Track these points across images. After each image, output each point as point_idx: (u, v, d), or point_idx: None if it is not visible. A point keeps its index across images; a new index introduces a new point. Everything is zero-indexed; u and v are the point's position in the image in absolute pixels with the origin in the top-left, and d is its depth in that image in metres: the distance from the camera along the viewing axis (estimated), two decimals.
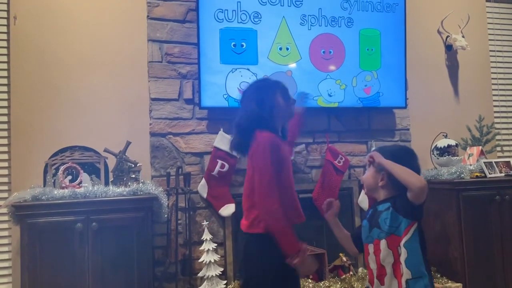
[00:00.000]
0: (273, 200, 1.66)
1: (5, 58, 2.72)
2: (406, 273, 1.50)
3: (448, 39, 3.57)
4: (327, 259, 2.83)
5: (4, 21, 2.73)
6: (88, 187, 2.36)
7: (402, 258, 1.52)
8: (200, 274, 2.63)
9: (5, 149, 2.69)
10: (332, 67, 3.07)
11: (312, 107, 3.02)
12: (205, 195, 2.79)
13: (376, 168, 1.64)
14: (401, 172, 1.52)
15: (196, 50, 2.83)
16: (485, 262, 2.85)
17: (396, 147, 1.80)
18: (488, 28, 3.78)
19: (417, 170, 1.61)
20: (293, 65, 2.98)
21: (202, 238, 2.66)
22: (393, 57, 3.22)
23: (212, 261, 2.61)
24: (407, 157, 1.64)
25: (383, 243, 1.55)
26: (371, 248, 1.61)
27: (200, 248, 2.65)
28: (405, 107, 3.29)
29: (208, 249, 2.62)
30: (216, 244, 2.68)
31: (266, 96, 1.82)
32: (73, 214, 2.24)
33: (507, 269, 2.89)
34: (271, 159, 1.67)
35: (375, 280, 1.58)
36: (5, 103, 2.71)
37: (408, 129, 3.37)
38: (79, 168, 2.46)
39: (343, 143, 3.19)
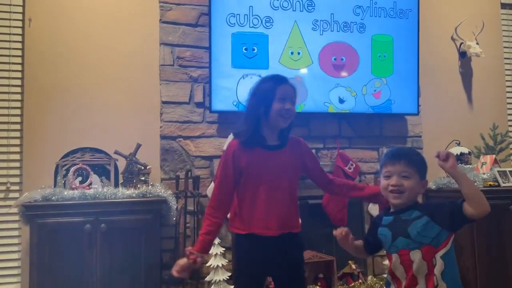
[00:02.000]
0: (208, 206, 1.75)
1: (19, 60, 2.75)
2: (441, 286, 1.45)
3: (462, 46, 3.53)
4: (336, 266, 2.80)
5: (19, 23, 2.77)
6: (97, 188, 2.37)
7: (437, 270, 1.46)
8: (207, 279, 2.62)
9: (17, 149, 2.72)
10: (343, 74, 3.05)
11: (323, 112, 3.02)
12: None
13: (419, 176, 1.55)
14: (477, 191, 1.45)
15: (208, 54, 2.84)
16: (497, 272, 2.79)
17: (414, 151, 1.69)
18: (503, 36, 3.73)
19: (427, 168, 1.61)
20: (304, 70, 2.97)
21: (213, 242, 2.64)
22: (406, 64, 3.19)
23: (220, 265, 2.60)
24: (424, 161, 1.62)
25: (416, 254, 1.49)
26: (396, 257, 1.54)
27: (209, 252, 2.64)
28: (417, 114, 3.26)
29: (216, 254, 2.61)
30: (224, 249, 2.67)
31: (246, 100, 1.80)
32: (82, 215, 2.25)
33: None
34: (220, 168, 1.76)
35: None
36: (18, 104, 2.74)
37: (420, 136, 3.33)
38: (89, 170, 2.47)
39: (354, 149, 3.16)
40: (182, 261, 1.67)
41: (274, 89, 1.71)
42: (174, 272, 1.67)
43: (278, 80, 1.74)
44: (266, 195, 1.70)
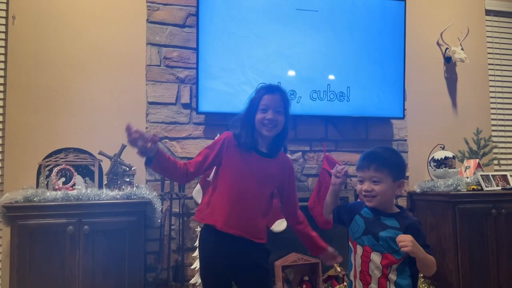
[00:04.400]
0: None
1: (2, 58, 2.70)
2: None
3: (447, 51, 3.58)
4: (321, 269, 2.80)
5: (3, 21, 2.72)
6: (81, 189, 2.33)
7: (391, 278, 1.52)
8: (192, 281, 2.59)
9: None
10: (330, 77, 3.06)
11: (309, 115, 3.03)
12: (199, 201, 2.76)
13: (392, 178, 1.57)
14: (430, 264, 1.49)
15: (195, 55, 2.83)
16: (480, 275, 2.83)
17: (391, 149, 1.69)
18: (487, 42, 3.79)
19: (405, 167, 1.66)
20: (292, 73, 2.98)
21: (195, 244, 2.63)
22: (392, 68, 3.21)
23: None
24: (401, 160, 1.64)
25: (377, 256, 1.54)
26: (359, 249, 1.60)
27: (193, 255, 2.62)
28: (403, 118, 3.29)
29: None
30: None
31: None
32: (65, 216, 2.21)
33: (502, 283, 2.87)
34: (208, 146, 1.84)
35: (358, 281, 1.58)
36: (1, 103, 2.69)
37: (405, 140, 3.36)
38: (73, 170, 2.43)
39: (340, 152, 3.18)
40: (146, 134, 1.59)
41: (258, 99, 1.79)
42: (133, 131, 1.55)
43: (263, 90, 1.81)
44: (238, 194, 1.74)
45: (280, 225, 2.64)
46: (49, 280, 2.17)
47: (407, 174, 3.28)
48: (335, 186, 1.75)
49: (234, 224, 1.73)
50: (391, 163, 1.58)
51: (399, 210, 1.63)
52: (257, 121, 1.77)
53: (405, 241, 1.43)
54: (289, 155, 2.89)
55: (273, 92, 1.80)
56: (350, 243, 1.66)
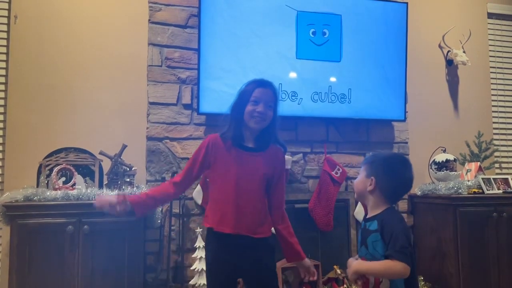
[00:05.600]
0: (174, 178, 1.88)
1: (4, 57, 2.71)
2: None
3: (449, 54, 3.57)
4: (321, 271, 2.79)
5: (5, 21, 2.72)
6: (81, 189, 2.32)
7: (383, 286, 1.50)
8: (191, 282, 2.59)
9: (0, 148, 2.67)
10: (332, 79, 3.06)
11: (310, 116, 3.03)
12: (199, 202, 2.76)
13: (366, 174, 1.63)
14: (381, 272, 1.45)
15: (196, 56, 2.83)
16: (480, 279, 2.82)
17: (390, 154, 1.77)
18: (489, 45, 3.79)
19: (409, 180, 1.60)
20: (293, 74, 2.97)
21: (195, 245, 2.62)
22: (393, 70, 3.21)
23: (205, 269, 2.57)
24: (399, 166, 1.61)
25: None
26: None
27: (193, 256, 2.62)
28: (404, 120, 3.28)
29: (201, 257, 2.58)
30: None
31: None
32: (64, 216, 2.21)
33: (502, 287, 2.85)
34: (194, 153, 1.85)
35: None
36: (1, 102, 2.69)
37: (406, 142, 3.35)
38: (73, 170, 2.43)
39: (341, 154, 3.17)
40: (112, 198, 1.69)
41: (250, 92, 1.78)
42: (97, 201, 1.69)
43: (256, 83, 1.80)
44: (235, 194, 1.73)
45: None
46: (48, 280, 2.17)
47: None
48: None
49: (232, 224, 1.72)
50: (370, 160, 1.66)
51: (382, 210, 1.58)
52: (247, 112, 1.76)
53: (349, 272, 1.50)
54: (289, 157, 2.91)
55: (266, 86, 1.79)
56: None
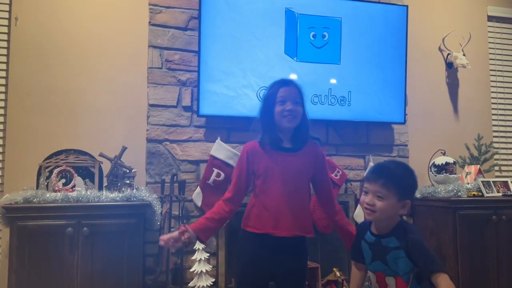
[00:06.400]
0: (225, 195, 1.84)
1: (4, 59, 2.71)
2: None
3: (449, 56, 3.58)
4: (320, 273, 2.79)
5: (5, 22, 2.72)
6: (81, 191, 2.33)
7: None
8: (191, 284, 2.59)
9: None
10: (332, 81, 3.06)
11: (310, 119, 3.01)
12: (199, 204, 2.76)
13: (397, 198, 1.49)
14: None
15: (197, 58, 2.83)
16: (480, 281, 2.81)
17: (410, 171, 1.58)
18: (489, 48, 3.79)
19: (415, 187, 1.58)
20: (293, 77, 2.98)
21: (194, 247, 2.62)
22: (393, 73, 3.21)
23: (204, 271, 2.57)
24: (412, 180, 1.55)
25: (391, 280, 1.51)
26: (372, 276, 1.57)
27: (192, 258, 2.62)
28: (404, 123, 3.28)
29: (200, 259, 2.59)
30: (208, 254, 2.65)
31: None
32: (64, 218, 2.21)
33: None
34: (236, 166, 1.87)
35: None
36: (2, 103, 2.70)
37: (406, 145, 3.35)
38: (73, 172, 2.43)
39: (340, 157, 3.17)
40: (174, 233, 1.68)
41: (275, 93, 1.78)
42: (161, 240, 1.67)
43: (279, 84, 1.80)
44: (281, 196, 1.73)
45: None
46: (48, 282, 2.16)
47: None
48: None
49: (289, 226, 1.72)
50: (400, 181, 1.50)
51: (396, 224, 1.55)
52: (277, 114, 1.75)
53: None
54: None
55: (289, 85, 1.79)
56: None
